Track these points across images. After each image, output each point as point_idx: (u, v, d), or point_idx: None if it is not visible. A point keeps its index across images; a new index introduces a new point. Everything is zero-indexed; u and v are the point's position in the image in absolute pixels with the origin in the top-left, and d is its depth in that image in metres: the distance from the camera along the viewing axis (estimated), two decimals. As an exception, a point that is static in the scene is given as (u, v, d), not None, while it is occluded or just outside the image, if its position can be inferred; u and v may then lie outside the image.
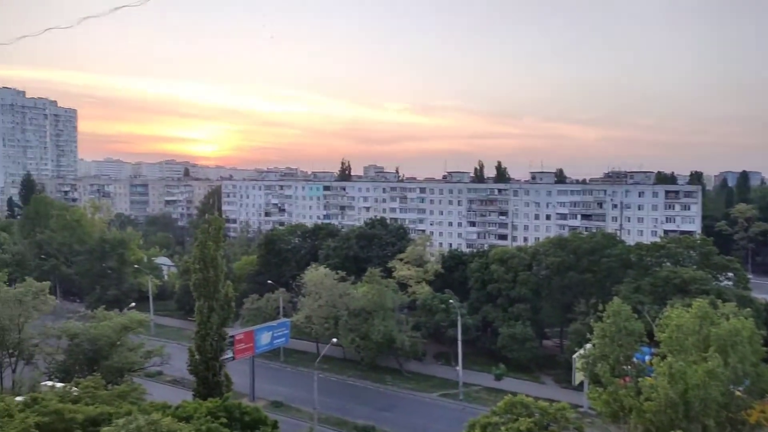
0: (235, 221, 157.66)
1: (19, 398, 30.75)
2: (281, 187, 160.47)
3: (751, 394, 31.40)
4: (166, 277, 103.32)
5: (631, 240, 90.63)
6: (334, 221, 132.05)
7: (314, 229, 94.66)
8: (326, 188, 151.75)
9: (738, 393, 30.92)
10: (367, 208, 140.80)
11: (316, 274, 67.98)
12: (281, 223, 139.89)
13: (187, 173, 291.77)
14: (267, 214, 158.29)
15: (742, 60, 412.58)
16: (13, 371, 49.09)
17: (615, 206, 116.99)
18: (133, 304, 71.80)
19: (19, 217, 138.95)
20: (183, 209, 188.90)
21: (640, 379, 34.32)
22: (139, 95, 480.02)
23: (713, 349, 29.85)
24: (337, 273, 68.51)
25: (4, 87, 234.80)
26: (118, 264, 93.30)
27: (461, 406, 56.26)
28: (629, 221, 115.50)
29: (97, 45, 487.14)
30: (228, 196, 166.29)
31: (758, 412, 30.97)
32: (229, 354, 48.88)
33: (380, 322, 63.29)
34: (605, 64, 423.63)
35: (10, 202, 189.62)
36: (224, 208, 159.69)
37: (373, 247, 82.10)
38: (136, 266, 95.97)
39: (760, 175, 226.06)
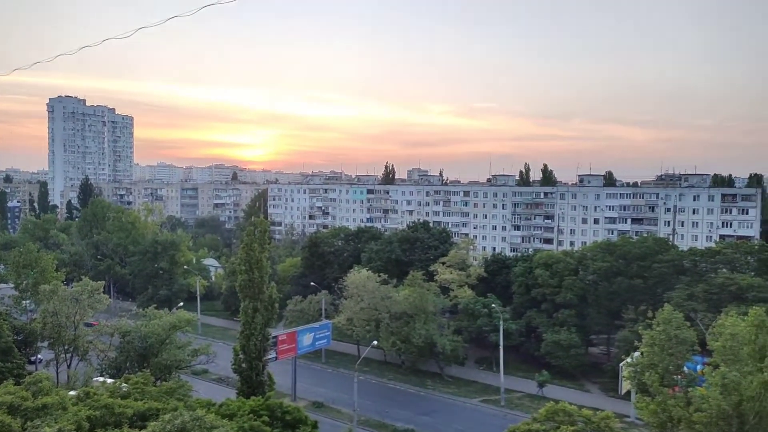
0: (280, 224, 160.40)
1: (72, 392, 32.15)
2: (325, 190, 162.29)
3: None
4: (213, 278, 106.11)
5: (684, 245, 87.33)
6: (377, 224, 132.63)
7: (357, 232, 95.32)
8: (369, 191, 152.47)
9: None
10: (411, 212, 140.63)
11: (358, 277, 68.41)
12: (325, 226, 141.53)
13: (235, 177, 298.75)
14: (311, 217, 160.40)
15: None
16: (68, 366, 51.47)
17: (668, 210, 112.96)
18: (182, 303, 74.27)
19: (77, 219, 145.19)
20: (231, 212, 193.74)
21: (690, 389, 33.06)
22: (190, 102, 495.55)
23: (770, 359, 28.41)
24: (379, 276, 68.76)
25: (66, 96, 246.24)
26: (169, 265, 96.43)
27: (503, 413, 55.42)
28: (683, 226, 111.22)
29: (152, 54, 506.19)
30: (274, 199, 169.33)
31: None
32: (272, 354, 49.78)
33: (421, 325, 63.14)
34: (658, 63, 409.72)
35: (69, 205, 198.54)
36: (270, 211, 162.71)
37: (416, 251, 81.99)
38: (185, 267, 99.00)
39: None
